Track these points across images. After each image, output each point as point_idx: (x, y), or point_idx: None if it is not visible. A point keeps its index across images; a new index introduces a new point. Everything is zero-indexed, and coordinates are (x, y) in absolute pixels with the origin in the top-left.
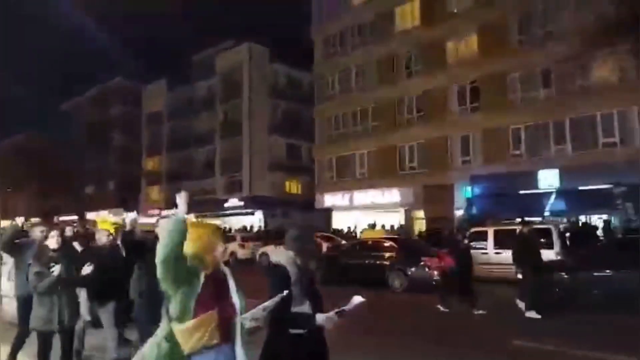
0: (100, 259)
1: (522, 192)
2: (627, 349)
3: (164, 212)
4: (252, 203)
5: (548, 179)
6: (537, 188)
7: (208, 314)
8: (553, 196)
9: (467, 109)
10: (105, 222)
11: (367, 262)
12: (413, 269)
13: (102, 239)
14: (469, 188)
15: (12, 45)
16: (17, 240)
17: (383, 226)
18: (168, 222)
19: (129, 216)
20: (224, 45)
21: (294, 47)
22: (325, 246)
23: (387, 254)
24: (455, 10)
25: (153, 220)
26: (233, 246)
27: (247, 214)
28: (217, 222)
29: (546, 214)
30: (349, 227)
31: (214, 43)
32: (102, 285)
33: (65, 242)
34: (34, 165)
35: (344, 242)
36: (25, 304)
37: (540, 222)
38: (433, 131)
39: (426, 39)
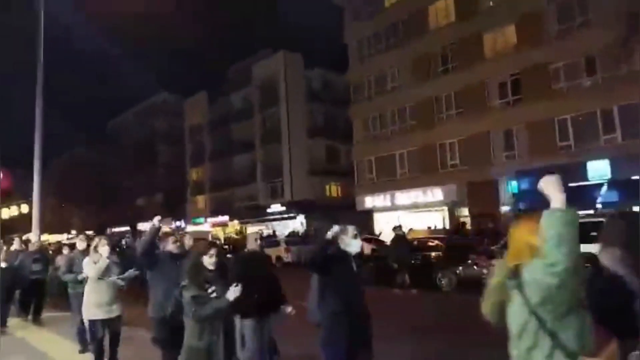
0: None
1: (571, 184)
2: None
3: (210, 219)
4: (294, 207)
5: (598, 170)
6: (587, 180)
7: (611, 347)
8: (604, 187)
9: (509, 102)
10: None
11: (414, 262)
12: (461, 268)
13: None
14: (514, 183)
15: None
16: (158, 251)
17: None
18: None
19: (334, 229)
20: (260, 54)
21: (327, 51)
22: (368, 248)
23: (434, 253)
24: (491, 3)
25: (200, 227)
26: (278, 250)
27: (289, 218)
28: (261, 227)
29: (598, 205)
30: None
31: (250, 53)
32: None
33: (222, 261)
34: (87, 181)
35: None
36: (162, 327)
37: (594, 215)
38: (473, 127)
39: (462, 33)
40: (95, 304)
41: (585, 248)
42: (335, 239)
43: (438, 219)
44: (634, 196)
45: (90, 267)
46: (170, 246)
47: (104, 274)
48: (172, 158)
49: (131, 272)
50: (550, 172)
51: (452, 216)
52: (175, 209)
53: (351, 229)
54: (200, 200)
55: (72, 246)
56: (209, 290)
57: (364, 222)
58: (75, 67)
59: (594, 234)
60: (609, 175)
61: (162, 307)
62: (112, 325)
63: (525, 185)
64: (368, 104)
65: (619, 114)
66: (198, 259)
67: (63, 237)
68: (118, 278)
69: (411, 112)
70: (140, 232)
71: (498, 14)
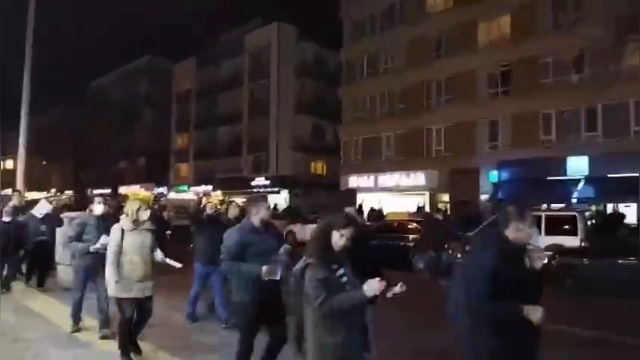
0: None
1: (550, 178)
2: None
3: (193, 188)
4: (278, 182)
5: (577, 166)
6: (565, 174)
7: None
8: (581, 183)
9: (497, 93)
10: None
11: (391, 243)
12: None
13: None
14: (495, 173)
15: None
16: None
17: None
18: None
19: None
20: (253, 24)
21: (322, 26)
22: None
23: (412, 236)
24: None
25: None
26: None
27: (272, 192)
28: (243, 199)
29: (573, 200)
30: (372, 208)
31: (243, 22)
32: None
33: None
34: (68, 140)
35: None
36: (245, 314)
37: (566, 209)
38: (461, 115)
39: (458, 20)
40: (126, 279)
41: (555, 240)
42: None
43: (419, 203)
44: (609, 194)
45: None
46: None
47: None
48: (156, 122)
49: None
50: (530, 164)
51: (433, 201)
52: (158, 174)
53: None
54: (184, 168)
55: (69, 207)
56: (339, 274)
57: (347, 201)
58: (60, 23)
59: (566, 227)
60: (587, 172)
61: (247, 290)
62: (144, 305)
63: (505, 175)
64: (359, 84)
65: (603, 113)
66: (328, 230)
67: (42, 195)
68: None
69: (401, 96)
70: (120, 195)
71: (495, 3)
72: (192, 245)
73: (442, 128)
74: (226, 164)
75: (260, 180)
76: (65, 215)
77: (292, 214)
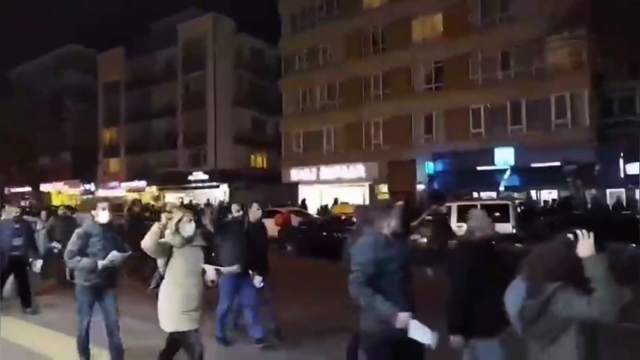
0: None
1: (479, 168)
2: None
3: (125, 184)
4: (218, 176)
5: (504, 156)
6: (493, 165)
7: None
8: (507, 172)
9: (431, 88)
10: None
11: (338, 235)
12: None
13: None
14: (431, 164)
15: None
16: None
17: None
18: None
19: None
20: (187, 13)
21: (259, 19)
22: (296, 221)
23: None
24: None
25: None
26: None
27: (211, 187)
28: (180, 195)
29: (501, 189)
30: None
31: (174, 10)
32: None
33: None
34: None
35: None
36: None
37: (499, 199)
38: (398, 109)
39: (393, 17)
40: (180, 306)
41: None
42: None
43: (359, 195)
44: (532, 182)
45: (146, 248)
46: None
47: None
48: (81, 115)
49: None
50: (462, 156)
51: (373, 192)
52: (85, 170)
53: None
54: (114, 164)
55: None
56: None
57: (289, 194)
58: None
59: (499, 215)
60: (512, 162)
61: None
62: (192, 339)
63: (440, 166)
64: (299, 77)
65: (526, 108)
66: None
67: None
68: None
69: (341, 89)
70: (42, 194)
71: (428, 1)
72: (212, 254)
73: (380, 121)
74: (161, 159)
75: (198, 175)
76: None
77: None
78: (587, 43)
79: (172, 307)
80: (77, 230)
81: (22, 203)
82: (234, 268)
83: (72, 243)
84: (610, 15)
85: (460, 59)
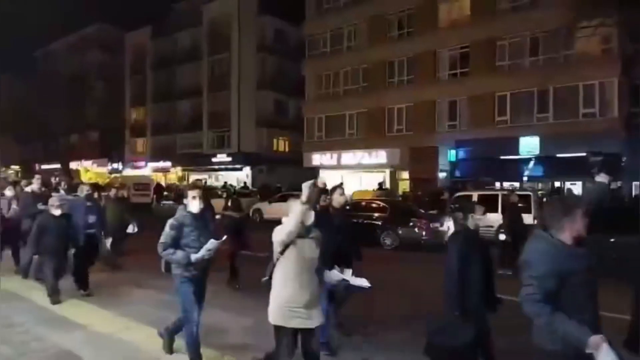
0: None
1: (503, 157)
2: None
3: (151, 164)
4: (241, 159)
5: (529, 146)
6: (518, 154)
7: None
8: (532, 162)
9: (456, 74)
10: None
11: (360, 221)
12: (403, 229)
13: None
14: (453, 152)
15: None
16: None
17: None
18: None
19: None
20: None
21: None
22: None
23: (379, 214)
24: None
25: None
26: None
27: (234, 169)
28: (204, 176)
29: (524, 179)
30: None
31: None
32: None
33: None
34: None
35: None
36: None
37: (521, 189)
38: (422, 95)
39: (419, 0)
40: (290, 301)
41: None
42: None
43: (380, 180)
44: (556, 173)
45: (289, 233)
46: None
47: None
48: (109, 95)
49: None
50: (485, 144)
51: (394, 178)
52: (112, 150)
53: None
54: (140, 143)
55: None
56: None
57: (309, 178)
58: None
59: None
60: (537, 152)
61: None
62: (308, 339)
63: (462, 154)
64: (322, 60)
65: (553, 96)
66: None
67: None
68: None
69: (364, 74)
70: (72, 171)
71: None
72: None
73: (403, 107)
74: (186, 140)
75: (222, 157)
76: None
77: (263, 190)
78: (617, 30)
79: (281, 300)
80: (170, 221)
81: (52, 180)
82: (364, 282)
83: (166, 234)
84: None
85: (487, 43)
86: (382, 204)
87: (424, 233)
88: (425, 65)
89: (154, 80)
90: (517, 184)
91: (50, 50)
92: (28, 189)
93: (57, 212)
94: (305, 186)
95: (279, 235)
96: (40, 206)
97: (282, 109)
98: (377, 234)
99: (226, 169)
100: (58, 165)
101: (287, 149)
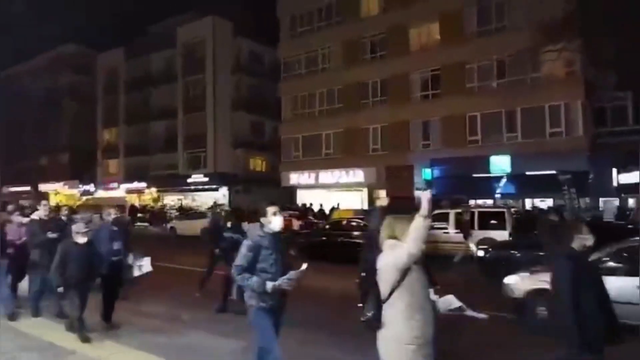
0: None
1: (476, 175)
2: None
3: (124, 185)
4: (217, 179)
5: (500, 164)
6: (489, 172)
7: None
8: (503, 180)
9: (428, 95)
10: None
11: (340, 240)
12: None
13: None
14: (428, 170)
15: None
16: None
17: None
18: None
19: None
20: (185, 16)
21: (258, 22)
22: (297, 225)
23: (357, 232)
24: None
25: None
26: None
27: (210, 189)
28: (179, 197)
29: (497, 196)
30: (320, 205)
31: (175, 13)
32: None
33: None
34: None
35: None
36: None
37: (495, 206)
38: (396, 115)
39: (390, 25)
40: (420, 336)
41: (486, 234)
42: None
43: (357, 199)
44: (527, 190)
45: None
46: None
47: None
48: (81, 116)
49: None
50: (458, 162)
51: (371, 197)
52: (84, 171)
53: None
54: (113, 164)
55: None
56: None
57: (287, 198)
58: None
59: (496, 222)
60: (508, 170)
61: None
62: None
63: (437, 172)
64: (298, 82)
65: (521, 116)
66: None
67: None
68: None
69: (339, 95)
70: (41, 194)
71: (424, 10)
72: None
73: (378, 127)
74: (161, 161)
75: (197, 177)
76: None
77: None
78: (581, 54)
79: (407, 338)
80: (247, 242)
81: (21, 202)
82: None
83: (242, 256)
84: (601, 26)
85: (456, 66)
86: (362, 222)
87: None
88: (398, 86)
89: (127, 101)
90: (490, 201)
91: (18, 70)
92: (35, 215)
93: (82, 239)
94: (425, 197)
95: (400, 259)
96: (50, 234)
97: (258, 129)
98: (359, 253)
99: (202, 190)
100: (27, 188)
101: (264, 169)
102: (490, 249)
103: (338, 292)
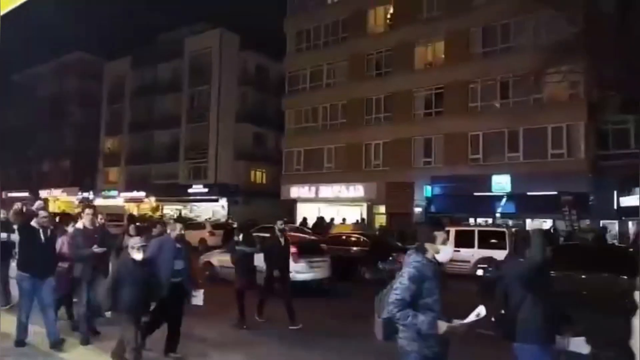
0: None
1: (476, 194)
2: None
3: (124, 194)
4: (217, 190)
5: (501, 183)
6: (490, 191)
7: None
8: (504, 199)
9: (431, 113)
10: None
11: (340, 255)
12: (383, 263)
13: None
14: (429, 187)
15: None
16: None
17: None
18: None
19: None
20: (194, 28)
21: (265, 36)
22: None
23: (359, 248)
24: (425, 16)
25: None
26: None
27: (211, 200)
28: (179, 207)
29: (497, 215)
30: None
31: (183, 24)
32: None
33: None
34: None
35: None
36: None
37: (495, 225)
38: (399, 132)
39: (396, 42)
40: None
41: (487, 253)
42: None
43: (357, 214)
44: (528, 210)
45: None
46: None
47: None
48: (85, 122)
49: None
50: (459, 181)
51: (371, 212)
52: (84, 178)
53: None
54: (113, 173)
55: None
56: None
57: (287, 211)
58: None
59: (496, 241)
60: (509, 189)
61: None
62: None
63: (437, 190)
64: (302, 96)
65: (523, 136)
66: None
67: None
68: None
69: (343, 110)
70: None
71: (430, 29)
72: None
73: (380, 143)
74: (162, 170)
75: (198, 188)
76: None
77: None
78: (584, 77)
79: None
80: (410, 270)
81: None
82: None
83: (404, 289)
84: (604, 49)
85: (460, 86)
86: (362, 237)
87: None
88: (402, 103)
89: (131, 109)
90: (490, 220)
91: (27, 75)
92: (79, 224)
93: (139, 256)
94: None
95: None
96: (96, 248)
97: (261, 142)
98: (358, 268)
99: (202, 200)
100: (27, 194)
101: (264, 181)
102: (489, 268)
103: None
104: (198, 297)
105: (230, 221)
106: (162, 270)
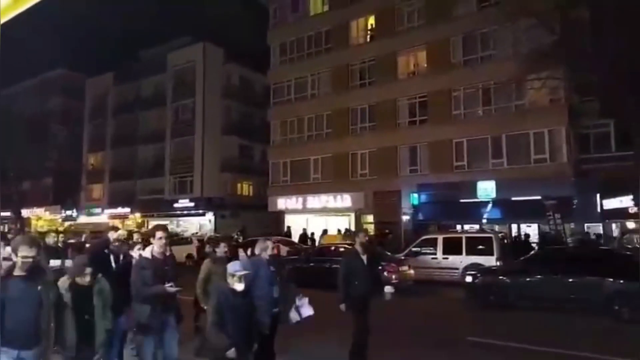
0: None
1: (462, 200)
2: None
3: (108, 210)
4: (203, 204)
5: (486, 190)
6: (476, 197)
7: None
8: (490, 205)
9: (415, 121)
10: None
11: (329, 266)
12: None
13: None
14: (415, 195)
15: None
16: None
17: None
18: None
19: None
20: (177, 42)
21: (248, 49)
22: (284, 250)
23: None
24: (406, 27)
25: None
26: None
27: (197, 214)
28: (165, 222)
29: (483, 221)
30: (304, 230)
31: (166, 39)
32: None
33: None
34: None
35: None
36: None
37: (482, 231)
38: (384, 141)
39: (379, 52)
40: None
41: (474, 259)
42: None
43: (345, 224)
44: (513, 215)
45: None
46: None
47: None
48: (66, 140)
49: None
50: (445, 188)
51: (358, 222)
52: (67, 196)
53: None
54: (97, 189)
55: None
56: None
57: (274, 222)
58: None
59: (483, 247)
60: (494, 195)
61: None
62: None
63: (424, 198)
64: (287, 107)
65: (506, 142)
66: None
67: None
68: None
69: (328, 121)
70: (23, 219)
71: (411, 38)
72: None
73: (366, 152)
74: (147, 185)
75: (184, 202)
76: None
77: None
78: (564, 83)
79: None
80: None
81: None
82: None
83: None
84: (584, 55)
85: (443, 94)
86: (348, 246)
87: (393, 276)
88: (386, 112)
89: (114, 125)
90: (476, 226)
91: (7, 93)
92: (146, 252)
93: (240, 286)
94: None
95: None
96: (169, 287)
97: (246, 154)
98: None
99: (188, 215)
100: (8, 213)
101: (251, 194)
102: (478, 275)
103: None
104: (305, 306)
105: (235, 235)
106: (260, 300)
